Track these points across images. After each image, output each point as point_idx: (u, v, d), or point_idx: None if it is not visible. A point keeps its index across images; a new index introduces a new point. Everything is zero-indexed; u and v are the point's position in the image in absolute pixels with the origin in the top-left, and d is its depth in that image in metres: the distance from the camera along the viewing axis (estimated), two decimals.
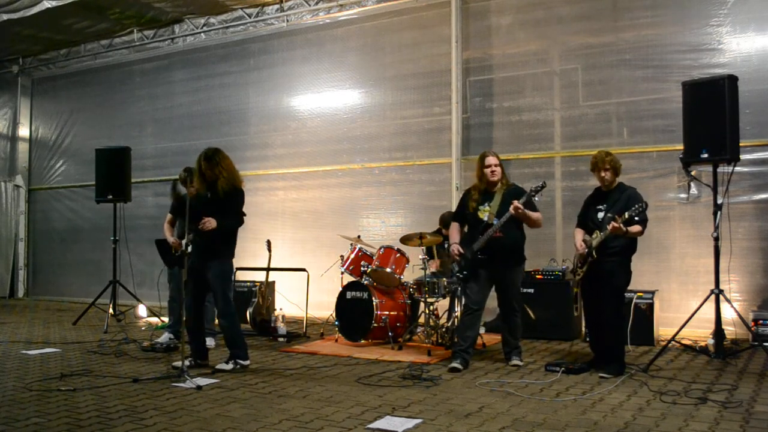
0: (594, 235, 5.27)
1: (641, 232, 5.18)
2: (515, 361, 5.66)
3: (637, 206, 4.99)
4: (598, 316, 5.40)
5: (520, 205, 5.35)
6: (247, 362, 5.54)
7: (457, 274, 5.71)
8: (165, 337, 6.78)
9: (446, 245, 7.07)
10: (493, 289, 5.79)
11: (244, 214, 5.62)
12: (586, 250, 5.29)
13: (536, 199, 5.50)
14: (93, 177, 9.10)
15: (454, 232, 5.88)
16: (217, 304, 5.56)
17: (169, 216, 6.86)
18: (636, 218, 4.98)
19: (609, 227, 5.01)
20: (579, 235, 5.49)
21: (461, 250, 5.66)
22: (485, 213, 5.60)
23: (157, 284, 8.07)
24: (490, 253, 5.55)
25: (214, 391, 4.80)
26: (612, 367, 5.19)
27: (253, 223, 9.08)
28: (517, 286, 5.78)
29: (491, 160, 5.66)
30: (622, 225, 4.96)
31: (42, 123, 12.42)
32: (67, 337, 7.55)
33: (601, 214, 5.33)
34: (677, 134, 6.43)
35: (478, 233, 5.59)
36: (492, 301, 5.98)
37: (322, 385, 4.95)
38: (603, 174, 5.34)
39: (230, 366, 5.37)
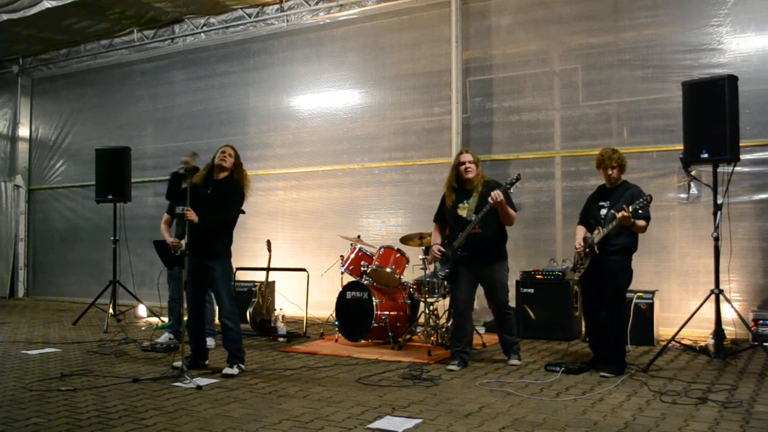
0: (596, 231, 5.28)
1: (645, 228, 5.18)
2: (513, 361, 5.67)
3: (642, 199, 5.00)
4: (598, 315, 5.40)
5: (501, 196, 5.32)
6: (245, 366, 5.53)
7: (440, 273, 5.74)
8: (165, 337, 6.79)
9: None
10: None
11: (242, 212, 5.61)
12: (587, 249, 5.30)
13: (512, 191, 5.48)
14: (93, 177, 9.10)
15: (435, 232, 5.91)
16: (221, 304, 5.48)
17: (166, 216, 6.87)
18: (640, 211, 5.00)
19: (618, 215, 5.00)
20: (580, 233, 5.49)
21: (442, 250, 5.68)
22: (464, 210, 5.57)
23: (157, 284, 8.06)
24: (470, 249, 5.55)
25: (214, 391, 4.80)
26: (613, 367, 5.19)
27: (253, 223, 9.12)
28: (503, 283, 5.71)
29: (466, 157, 5.66)
30: (631, 216, 4.96)
31: (42, 123, 12.43)
32: (67, 337, 7.55)
33: (603, 211, 5.32)
34: (677, 134, 6.43)
35: (459, 231, 5.58)
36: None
37: (322, 385, 4.95)
38: (610, 172, 5.32)
39: (236, 370, 5.34)
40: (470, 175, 5.62)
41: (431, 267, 6.32)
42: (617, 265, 5.25)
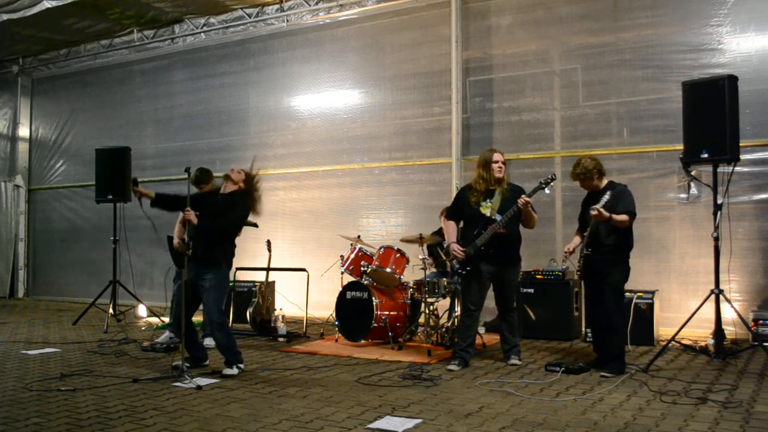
0: (585, 233, 5.39)
1: (626, 223, 5.23)
2: (514, 360, 5.68)
3: (607, 196, 5.18)
4: (599, 315, 5.42)
5: (529, 199, 5.39)
6: (243, 365, 5.53)
7: (459, 271, 5.65)
8: (165, 336, 6.77)
9: (445, 244, 7.06)
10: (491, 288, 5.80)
11: (255, 225, 5.63)
12: (579, 246, 5.42)
13: (547, 191, 5.55)
14: (93, 177, 9.10)
15: (451, 230, 5.85)
16: (210, 315, 5.43)
17: (182, 215, 6.86)
18: (606, 204, 5.12)
19: (592, 213, 5.12)
20: (576, 239, 5.61)
21: (463, 249, 5.60)
22: (487, 209, 5.57)
23: (164, 283, 8.01)
24: (492, 249, 5.53)
25: (214, 391, 4.80)
26: (613, 366, 5.20)
27: None
28: (517, 285, 5.84)
29: (499, 156, 5.67)
30: (602, 211, 5.05)
31: (42, 123, 12.42)
32: (67, 337, 7.55)
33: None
34: (677, 134, 6.43)
35: (480, 229, 5.55)
36: (491, 301, 5.98)
37: (322, 385, 4.95)
38: (579, 185, 5.54)
39: (236, 371, 5.33)
40: (501, 174, 5.64)
41: (426, 266, 6.32)
42: (611, 263, 5.31)
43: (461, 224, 5.85)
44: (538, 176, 7.75)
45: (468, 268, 5.59)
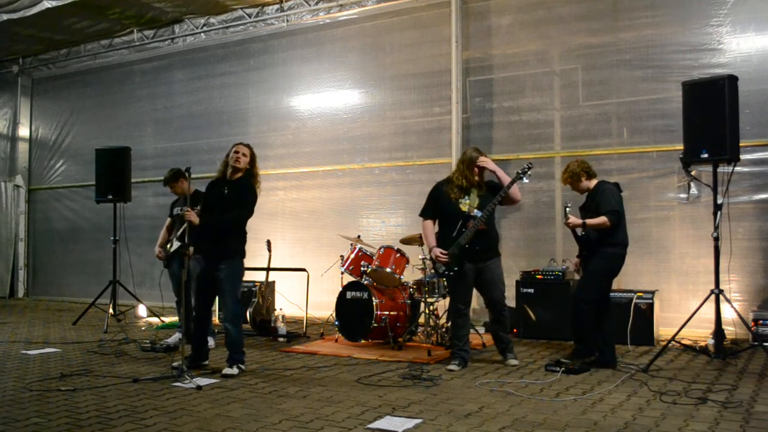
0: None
1: (606, 224, 5.33)
2: (513, 361, 5.67)
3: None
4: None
5: (490, 162, 5.60)
6: (244, 366, 5.52)
7: (447, 273, 5.61)
8: (175, 337, 6.72)
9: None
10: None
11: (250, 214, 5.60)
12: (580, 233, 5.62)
13: (525, 181, 5.58)
14: (93, 177, 9.10)
15: (430, 232, 5.78)
16: (226, 306, 5.45)
17: (168, 220, 6.87)
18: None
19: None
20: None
21: (445, 252, 5.55)
22: (466, 206, 5.57)
23: (159, 284, 8.01)
24: (475, 246, 5.53)
25: (214, 391, 4.80)
26: (573, 353, 5.48)
27: (253, 223, 8.94)
28: (503, 279, 5.77)
29: (484, 158, 5.66)
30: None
31: (42, 123, 12.42)
32: (67, 337, 7.55)
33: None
34: (677, 134, 6.43)
35: (460, 227, 5.52)
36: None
37: (322, 385, 4.95)
38: (570, 188, 5.72)
39: (236, 370, 5.33)
40: (480, 178, 5.69)
41: (426, 266, 6.33)
42: (594, 255, 5.51)
43: (437, 226, 5.80)
44: (538, 176, 7.79)
45: (456, 269, 5.55)
